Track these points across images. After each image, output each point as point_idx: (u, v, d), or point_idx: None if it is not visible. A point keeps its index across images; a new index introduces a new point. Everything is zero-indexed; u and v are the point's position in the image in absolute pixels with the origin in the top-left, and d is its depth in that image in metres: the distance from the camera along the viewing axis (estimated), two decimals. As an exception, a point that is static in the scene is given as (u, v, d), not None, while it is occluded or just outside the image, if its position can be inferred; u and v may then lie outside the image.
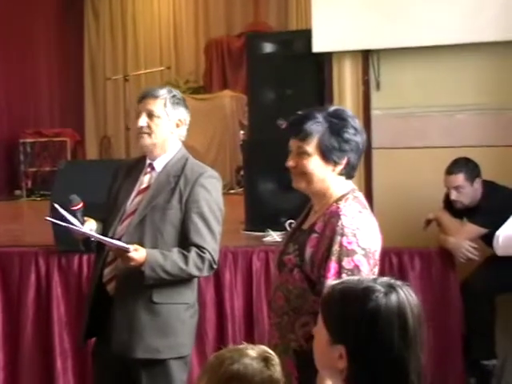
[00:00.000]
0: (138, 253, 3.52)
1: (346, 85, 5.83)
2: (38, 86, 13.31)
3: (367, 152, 5.79)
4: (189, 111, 3.81)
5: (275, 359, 2.15)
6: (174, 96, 3.74)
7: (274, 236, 5.57)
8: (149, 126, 3.69)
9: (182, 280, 3.66)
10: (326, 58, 5.93)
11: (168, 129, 3.71)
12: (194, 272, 3.61)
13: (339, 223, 2.77)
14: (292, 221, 5.20)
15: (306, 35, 5.95)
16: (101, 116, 14.61)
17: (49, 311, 5.29)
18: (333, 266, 2.75)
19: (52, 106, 13.71)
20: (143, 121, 3.70)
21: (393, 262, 5.11)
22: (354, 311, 1.96)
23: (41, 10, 13.41)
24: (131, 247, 3.51)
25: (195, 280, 3.80)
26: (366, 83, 5.80)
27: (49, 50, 13.69)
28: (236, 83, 12.94)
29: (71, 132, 12.57)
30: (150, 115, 3.70)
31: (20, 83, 12.70)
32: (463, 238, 5.08)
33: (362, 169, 5.71)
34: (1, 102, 12.26)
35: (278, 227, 5.55)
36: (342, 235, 2.75)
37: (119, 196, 3.81)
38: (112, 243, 3.57)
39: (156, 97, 3.71)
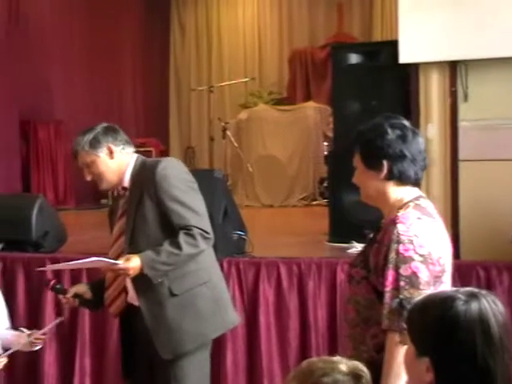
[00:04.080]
0: (130, 262, 3.68)
1: (432, 96, 5.77)
2: (123, 96, 13.54)
3: (453, 164, 5.72)
4: (110, 133, 3.94)
5: (366, 377, 2.11)
6: (90, 136, 3.90)
7: (359, 248, 5.52)
8: (94, 175, 3.91)
9: (189, 265, 3.79)
10: (412, 69, 5.88)
11: (106, 163, 3.89)
12: (191, 250, 3.73)
13: (395, 231, 2.77)
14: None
15: (392, 46, 5.92)
16: (185, 126, 14.77)
17: (134, 318, 5.37)
18: (390, 273, 2.75)
19: (137, 116, 13.92)
20: (87, 175, 3.93)
21: (480, 275, 5.03)
22: (434, 321, 1.95)
23: (127, 20, 13.65)
24: (122, 259, 3.70)
25: (202, 258, 3.86)
26: (454, 94, 5.72)
27: (135, 61, 13.92)
28: (319, 94, 12.91)
29: (156, 142, 12.73)
30: (87, 167, 3.91)
31: (106, 94, 12.94)
32: None
33: (448, 181, 5.65)
34: (89, 114, 12.49)
35: (362, 239, 5.51)
36: (399, 242, 2.75)
37: (112, 223, 4.04)
38: (103, 261, 3.76)
39: (77, 151, 3.92)
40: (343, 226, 6.11)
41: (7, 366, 5.76)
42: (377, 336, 2.82)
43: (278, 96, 13.61)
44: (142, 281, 3.73)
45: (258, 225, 6.91)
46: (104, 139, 3.89)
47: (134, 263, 3.68)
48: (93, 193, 12.29)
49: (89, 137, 3.89)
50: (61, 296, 3.94)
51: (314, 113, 11.71)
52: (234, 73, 14.15)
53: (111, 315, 4.05)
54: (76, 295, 3.92)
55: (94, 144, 3.87)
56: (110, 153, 3.87)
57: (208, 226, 3.79)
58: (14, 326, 5.77)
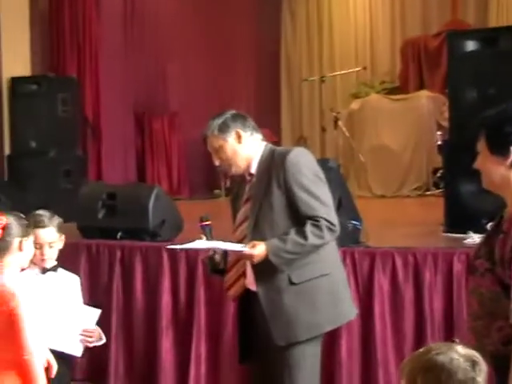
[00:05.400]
0: (256, 248, 3.74)
1: (554, 83, 5.62)
2: (236, 87, 13.64)
3: None
4: (243, 119, 4.00)
5: (483, 366, 2.08)
6: (219, 121, 3.97)
7: (475, 238, 5.43)
8: (222, 160, 3.95)
9: (312, 255, 3.81)
10: (532, 55, 5.74)
11: (235, 148, 3.94)
12: (317, 241, 3.75)
13: None
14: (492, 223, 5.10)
15: (510, 31, 5.78)
16: (296, 117, 14.76)
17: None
18: None
19: (249, 107, 13.98)
20: (216, 160, 3.97)
21: None
22: None
23: (240, 12, 13.75)
24: (247, 246, 3.76)
25: (326, 250, 3.88)
26: None
27: (247, 52, 14.00)
28: (433, 83, 12.71)
29: (268, 132, 12.75)
30: (215, 152, 3.96)
31: (219, 85, 13.07)
32: None
33: None
34: (203, 105, 12.65)
35: (480, 229, 5.41)
36: None
37: (235, 208, 4.09)
38: (227, 249, 3.86)
39: (207, 136, 3.99)
40: (460, 216, 6.01)
41: (127, 352, 5.93)
42: (503, 329, 2.77)
43: (389, 85, 13.46)
44: (262, 267, 3.77)
45: (371, 215, 6.84)
46: (233, 124, 3.95)
47: (259, 250, 3.73)
48: (206, 183, 12.48)
49: (218, 121, 3.96)
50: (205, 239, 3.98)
51: (427, 102, 11.56)
52: (345, 62, 14.05)
53: (229, 298, 4.11)
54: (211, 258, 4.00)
55: (223, 128, 3.93)
56: (239, 137, 3.93)
57: (335, 219, 3.81)
58: (132, 313, 5.94)
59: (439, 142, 10.25)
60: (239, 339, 4.07)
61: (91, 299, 6.21)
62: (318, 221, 3.73)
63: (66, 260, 6.31)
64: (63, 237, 4.35)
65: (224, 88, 13.18)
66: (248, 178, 3.99)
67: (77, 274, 6.17)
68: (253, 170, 3.95)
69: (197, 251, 4.87)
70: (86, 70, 10.20)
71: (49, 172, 8.98)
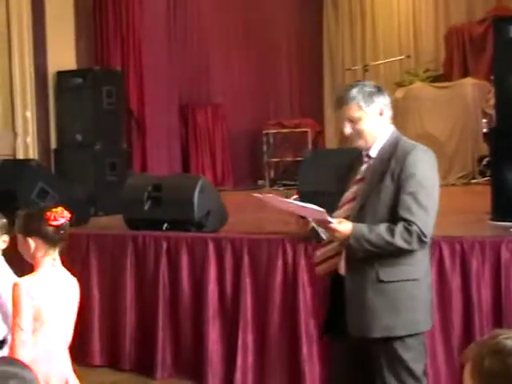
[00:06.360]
0: (341, 225, 3.64)
1: None
2: (279, 78, 13.65)
3: None
4: (385, 94, 3.83)
5: None
6: (365, 91, 3.78)
7: (524, 226, 5.39)
8: (354, 130, 3.78)
9: (405, 257, 3.70)
10: None
11: (372, 123, 3.77)
12: (402, 245, 3.63)
13: None
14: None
15: (557, 17, 5.69)
16: (340, 106, 14.71)
17: (295, 297, 5.41)
18: None
19: (292, 98, 14.00)
20: (348, 129, 3.80)
21: None
22: None
23: (280, 0, 13.74)
24: (335, 220, 3.65)
25: (419, 255, 3.76)
26: None
27: (289, 42, 14.00)
28: (477, 70, 12.60)
29: (312, 122, 12.76)
30: (351, 121, 3.78)
31: (262, 76, 13.09)
32: None
33: None
34: (246, 96, 12.69)
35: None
36: None
37: (345, 186, 3.94)
38: (319, 212, 3.67)
39: (348, 102, 3.78)
40: (507, 204, 5.94)
41: (174, 343, 5.97)
42: None
43: (434, 73, 13.38)
44: (355, 255, 3.70)
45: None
46: (378, 99, 3.79)
47: (344, 227, 3.65)
48: (250, 174, 12.51)
49: (364, 92, 3.79)
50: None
51: (471, 89, 11.46)
52: (388, 51, 13.99)
53: (318, 274, 4.01)
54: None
55: (369, 101, 3.77)
56: (380, 114, 3.78)
57: (429, 231, 3.69)
58: (178, 304, 5.96)
59: (485, 130, 10.16)
60: (328, 312, 3.95)
61: (138, 291, 6.28)
62: (410, 225, 3.62)
63: (113, 252, 6.41)
64: (5, 237, 4.02)
65: (266, 79, 13.19)
66: (365, 159, 3.86)
67: (123, 266, 6.26)
68: (372, 153, 3.82)
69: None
70: (130, 63, 10.28)
71: (94, 165, 9.07)
